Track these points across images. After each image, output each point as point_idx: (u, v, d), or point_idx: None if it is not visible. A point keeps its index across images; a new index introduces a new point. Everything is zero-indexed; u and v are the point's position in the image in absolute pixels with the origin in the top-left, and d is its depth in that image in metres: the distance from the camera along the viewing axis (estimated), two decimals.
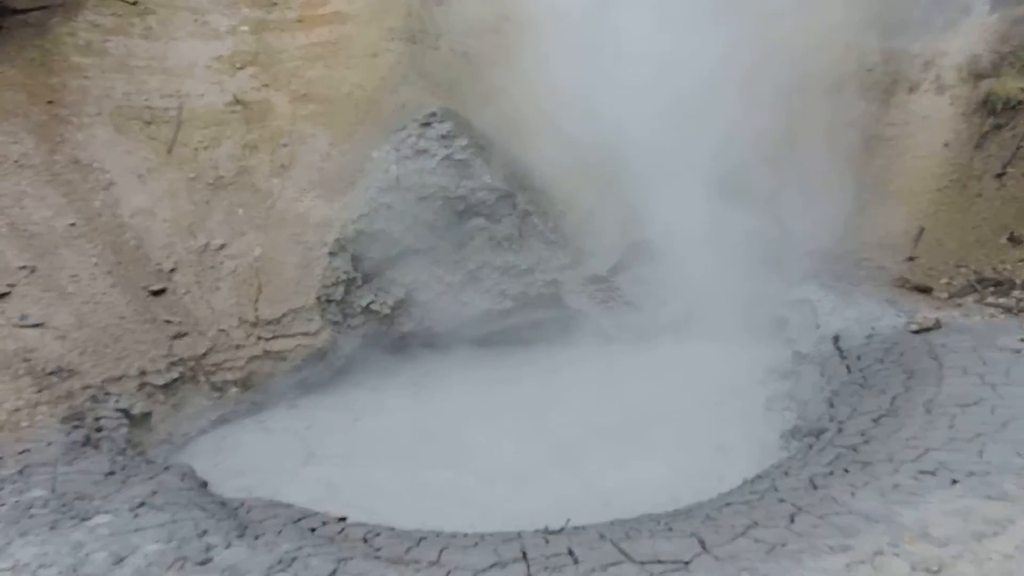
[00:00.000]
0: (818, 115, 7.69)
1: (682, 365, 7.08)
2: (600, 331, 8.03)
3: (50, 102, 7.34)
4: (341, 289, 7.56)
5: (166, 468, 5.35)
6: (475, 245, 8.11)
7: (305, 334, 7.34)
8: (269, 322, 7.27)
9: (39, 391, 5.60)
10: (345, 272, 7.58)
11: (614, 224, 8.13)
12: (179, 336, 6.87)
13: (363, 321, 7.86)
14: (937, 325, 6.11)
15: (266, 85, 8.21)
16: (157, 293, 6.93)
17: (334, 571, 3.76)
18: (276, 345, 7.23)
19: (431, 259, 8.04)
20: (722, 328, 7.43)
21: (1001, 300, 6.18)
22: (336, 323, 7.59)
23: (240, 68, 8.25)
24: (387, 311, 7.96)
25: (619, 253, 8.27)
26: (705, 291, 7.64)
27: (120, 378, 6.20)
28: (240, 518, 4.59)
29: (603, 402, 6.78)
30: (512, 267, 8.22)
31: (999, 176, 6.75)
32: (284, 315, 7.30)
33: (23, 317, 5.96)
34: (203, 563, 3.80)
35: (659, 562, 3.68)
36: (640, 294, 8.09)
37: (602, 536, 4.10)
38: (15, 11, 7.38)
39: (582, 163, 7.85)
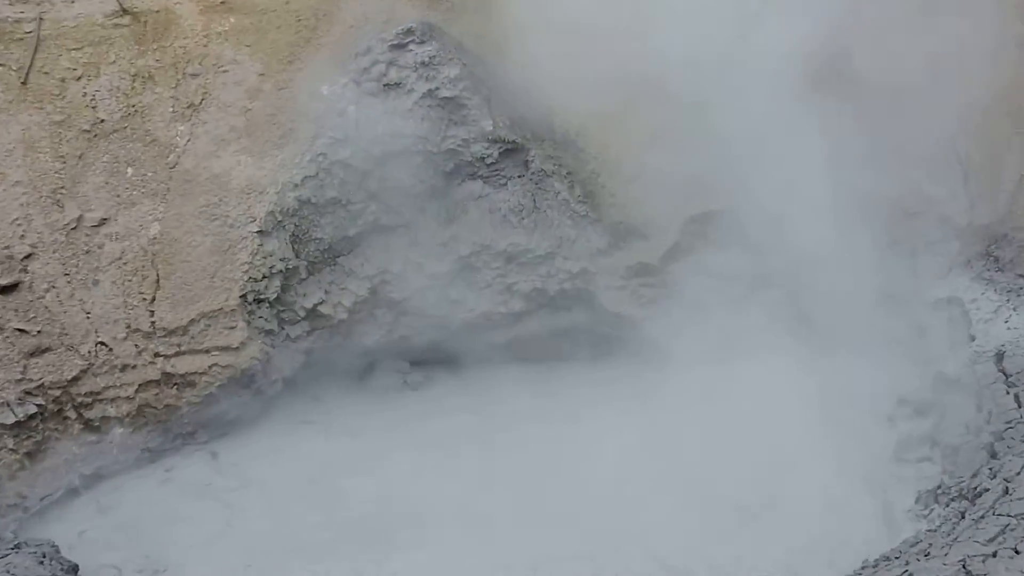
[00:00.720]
0: (974, 27, 7.29)
1: (772, 394, 6.88)
2: (651, 344, 7.86)
3: None
4: (276, 283, 7.49)
5: (16, 546, 5.30)
6: (470, 220, 8.08)
7: (224, 349, 7.29)
8: (171, 332, 7.21)
9: None
10: (282, 259, 7.53)
11: (671, 189, 7.90)
12: (38, 352, 6.80)
13: (308, 330, 7.83)
14: None
15: None
16: (5, 290, 6.86)
17: None
18: (181, 365, 7.21)
19: (407, 240, 8.01)
20: (830, 340, 7.22)
21: None
22: (269, 332, 7.54)
23: None
24: (343, 315, 7.92)
25: (678, 231, 8.15)
26: (804, 286, 7.45)
27: None
28: None
29: (661, 449, 6.65)
30: (523, 252, 8.17)
31: None
32: (193, 321, 7.24)
33: None
34: None
35: None
36: (708, 291, 7.81)
37: None
38: None
39: (625, 100, 7.66)
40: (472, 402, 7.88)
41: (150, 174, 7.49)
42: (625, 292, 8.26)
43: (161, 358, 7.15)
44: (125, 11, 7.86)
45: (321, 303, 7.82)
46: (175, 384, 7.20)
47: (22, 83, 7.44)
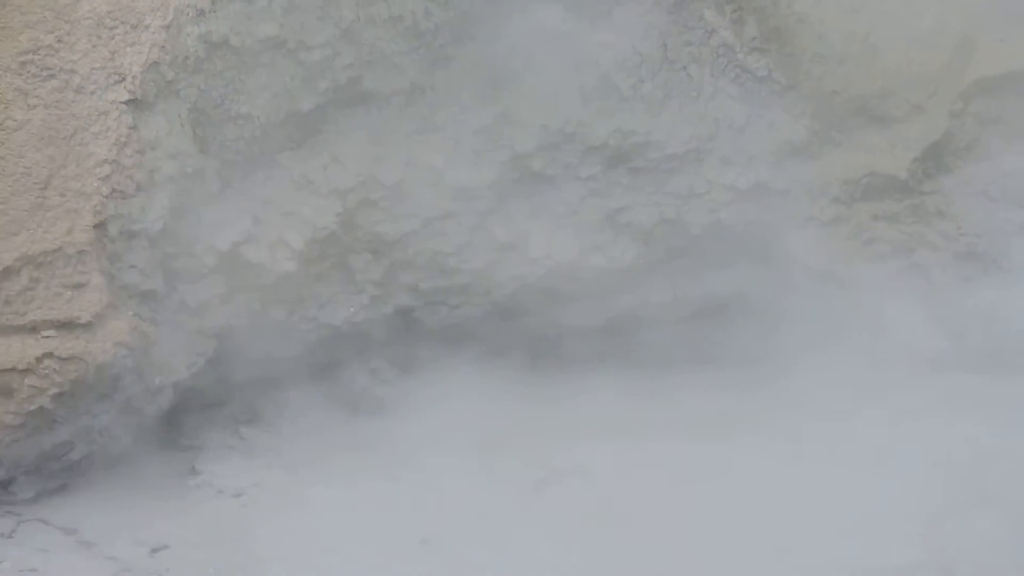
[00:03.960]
0: None
1: None
2: (893, 344, 7.97)
3: None
4: (162, 203, 7.34)
5: None
6: (535, 84, 7.95)
7: (64, 325, 7.08)
8: None
9: None
10: (174, 155, 7.35)
11: (940, 26, 8.02)
12: None
13: (223, 292, 7.76)
14: None
15: None
16: None
17: None
18: None
19: (412, 122, 7.94)
20: None
21: None
22: (149, 296, 7.39)
23: None
24: (289, 265, 7.86)
25: (949, 110, 8.10)
26: None
27: None
28: None
29: None
30: (641, 148, 8.05)
31: None
32: (7, 273, 7.05)
33: None
34: None
35: None
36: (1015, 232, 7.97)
37: None
38: None
39: None
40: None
41: None
42: (842, 231, 8.25)
43: None
44: None
45: (246, 242, 7.68)
46: None
47: None
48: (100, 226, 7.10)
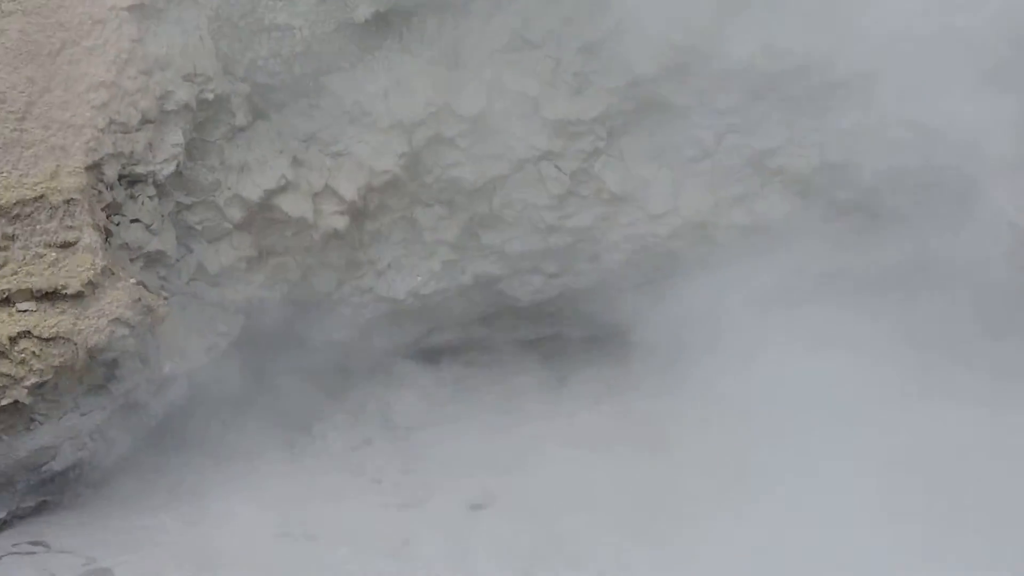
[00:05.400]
0: None
1: None
2: None
3: None
4: (174, 137, 7.09)
5: None
6: None
7: (49, 297, 6.68)
8: None
9: None
10: (190, 77, 7.08)
11: None
12: None
13: (252, 256, 7.46)
14: None
15: None
16: None
17: None
18: None
19: (501, 36, 7.46)
20: None
21: None
22: (156, 259, 7.15)
23: None
24: (336, 221, 7.51)
25: None
26: None
27: None
28: None
29: None
30: (791, 71, 7.45)
31: None
32: None
33: None
34: None
35: None
36: None
37: None
38: None
39: None
40: None
41: None
42: None
43: None
44: None
45: (283, 190, 7.25)
46: None
47: None
48: (94, 168, 6.66)
